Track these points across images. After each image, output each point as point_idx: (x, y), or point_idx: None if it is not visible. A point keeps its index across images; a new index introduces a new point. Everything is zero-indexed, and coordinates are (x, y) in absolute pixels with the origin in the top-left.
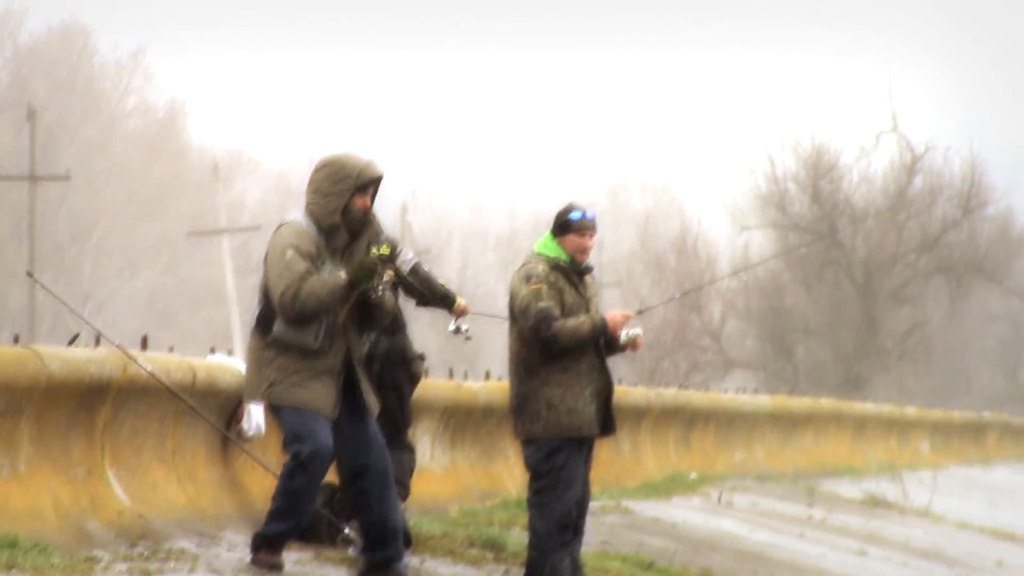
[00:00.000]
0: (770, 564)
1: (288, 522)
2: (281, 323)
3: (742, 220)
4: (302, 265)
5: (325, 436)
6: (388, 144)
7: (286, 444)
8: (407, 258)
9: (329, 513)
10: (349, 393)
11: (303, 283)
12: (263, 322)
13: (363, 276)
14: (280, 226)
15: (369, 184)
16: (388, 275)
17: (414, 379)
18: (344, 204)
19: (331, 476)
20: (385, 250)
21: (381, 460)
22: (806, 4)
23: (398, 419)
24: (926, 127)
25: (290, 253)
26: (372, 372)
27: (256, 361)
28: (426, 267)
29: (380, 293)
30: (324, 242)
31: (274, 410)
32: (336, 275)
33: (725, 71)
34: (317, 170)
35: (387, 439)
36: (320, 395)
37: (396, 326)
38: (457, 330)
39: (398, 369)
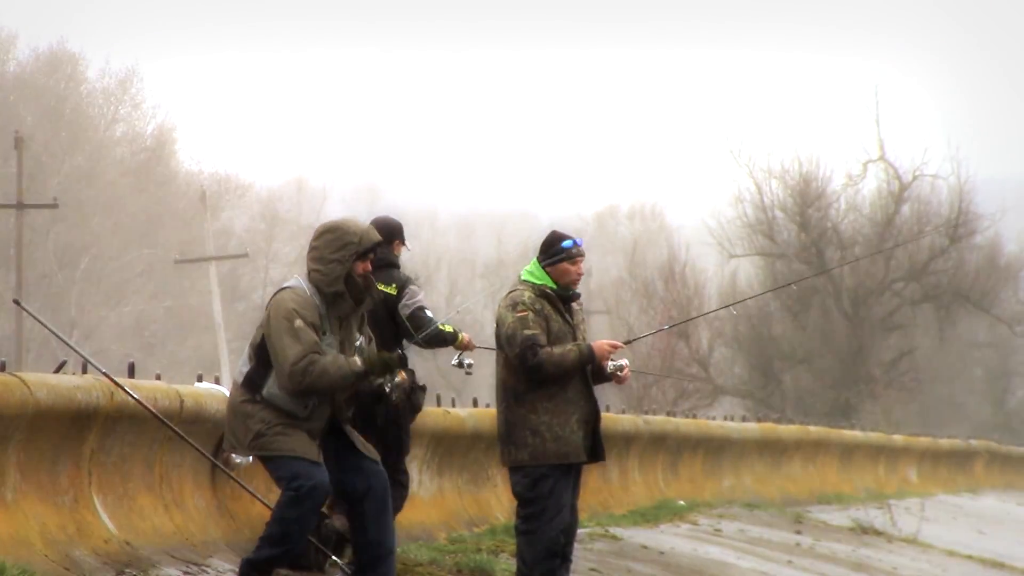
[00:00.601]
0: None
1: (278, 549)
2: (274, 386)
3: (730, 248)
4: (313, 336)
5: (322, 473)
6: (375, 172)
7: (287, 484)
8: (415, 300)
9: (316, 540)
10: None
11: (317, 358)
12: (252, 382)
13: (380, 370)
14: (281, 290)
15: (370, 249)
16: (401, 376)
17: (415, 409)
18: (346, 271)
19: None
20: (392, 290)
21: (381, 484)
22: (792, 33)
23: (396, 450)
24: (913, 155)
25: (299, 322)
26: (380, 410)
27: (239, 414)
28: (429, 312)
29: (389, 391)
30: (326, 310)
31: (264, 459)
32: (352, 361)
33: (712, 98)
34: (318, 236)
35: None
36: (306, 443)
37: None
38: (460, 364)
39: (402, 405)
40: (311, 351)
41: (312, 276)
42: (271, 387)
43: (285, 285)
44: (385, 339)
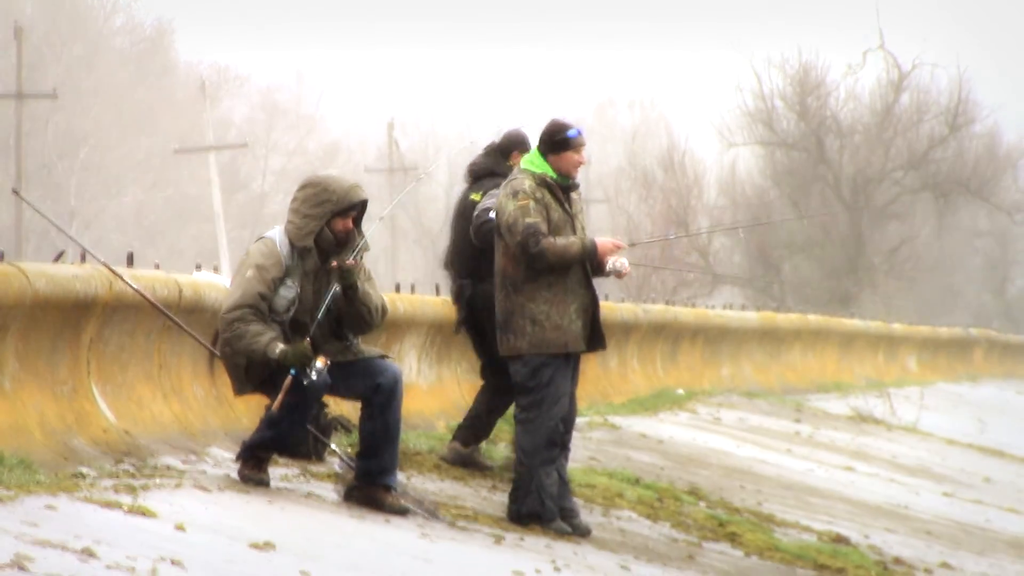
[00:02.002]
0: (757, 480)
1: (274, 431)
2: None
3: (729, 137)
4: (256, 290)
5: (322, 375)
6: (376, 61)
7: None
8: (486, 204)
9: (315, 428)
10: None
11: (251, 319)
12: None
13: (292, 361)
14: (259, 239)
15: (350, 208)
16: (323, 361)
17: None
18: (320, 228)
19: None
20: (478, 197)
21: (388, 379)
22: None
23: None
24: (913, 44)
25: (250, 273)
26: (459, 319)
27: (224, 355)
28: (492, 214)
29: (313, 379)
30: (298, 261)
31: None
32: (273, 347)
33: None
34: (300, 189)
35: (495, 381)
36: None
37: (484, 274)
38: None
39: (482, 313)
40: (247, 305)
41: (287, 227)
42: None
43: (263, 235)
44: (465, 250)
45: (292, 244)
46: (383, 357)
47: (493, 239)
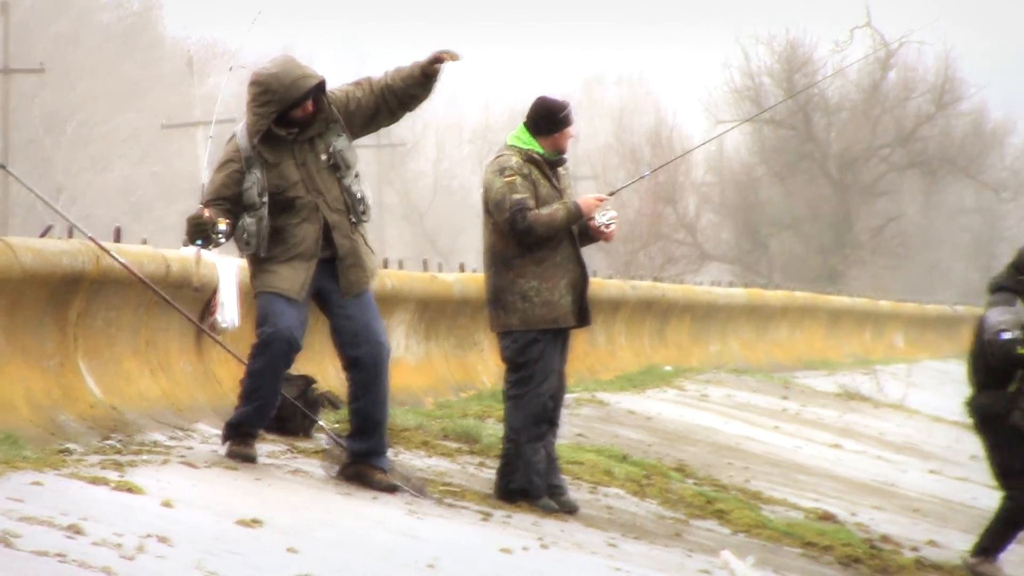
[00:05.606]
0: (745, 456)
1: (250, 405)
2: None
3: (716, 114)
4: (209, 189)
5: (287, 318)
6: (361, 35)
7: (257, 329)
8: None
9: (303, 405)
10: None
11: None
12: None
13: (192, 235)
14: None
15: (299, 101)
16: (223, 222)
17: None
18: (267, 126)
19: (312, 368)
20: None
21: (373, 352)
22: None
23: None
24: (900, 21)
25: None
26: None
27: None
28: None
29: (221, 241)
30: (257, 151)
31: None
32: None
33: None
34: (249, 85)
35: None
36: (285, 278)
37: (982, 385)
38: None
39: (979, 426)
40: (208, 199)
41: (245, 122)
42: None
43: (233, 130)
44: (973, 360)
45: (249, 139)
46: (374, 331)
47: (1008, 358)
